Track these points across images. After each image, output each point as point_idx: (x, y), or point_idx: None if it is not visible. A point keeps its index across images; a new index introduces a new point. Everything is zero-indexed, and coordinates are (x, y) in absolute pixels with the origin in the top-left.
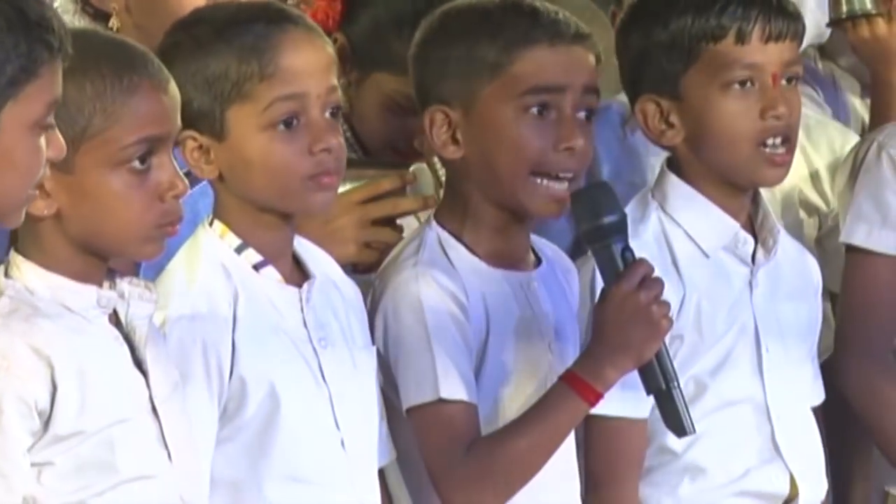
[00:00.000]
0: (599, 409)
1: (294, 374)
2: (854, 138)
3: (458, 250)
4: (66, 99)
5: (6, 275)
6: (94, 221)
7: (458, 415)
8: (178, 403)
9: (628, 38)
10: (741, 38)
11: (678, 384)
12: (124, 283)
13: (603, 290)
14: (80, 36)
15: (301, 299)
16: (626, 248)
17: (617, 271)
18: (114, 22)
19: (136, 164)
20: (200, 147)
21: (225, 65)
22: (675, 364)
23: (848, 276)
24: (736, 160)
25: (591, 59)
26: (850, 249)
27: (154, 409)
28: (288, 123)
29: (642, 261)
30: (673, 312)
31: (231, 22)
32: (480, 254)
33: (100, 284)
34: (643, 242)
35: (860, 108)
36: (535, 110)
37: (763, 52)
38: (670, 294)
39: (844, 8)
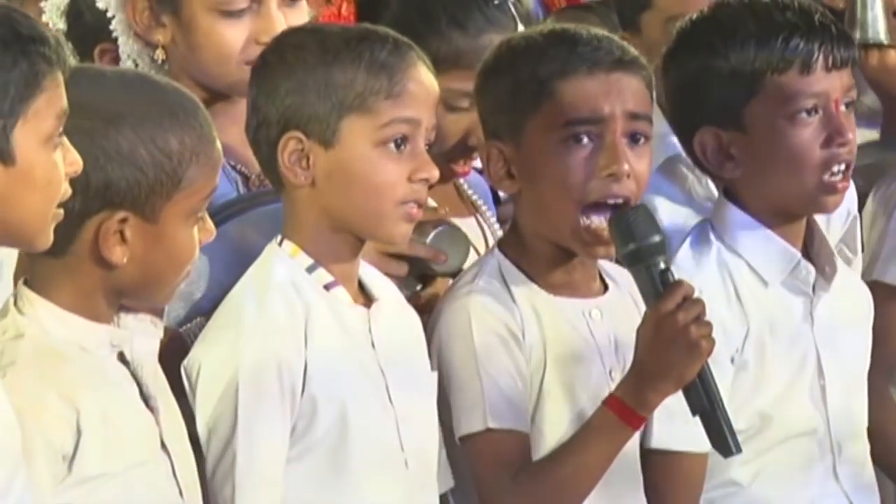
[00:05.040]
0: (661, 443)
1: (363, 395)
2: None
3: (518, 278)
4: (165, 150)
5: (18, 310)
6: (159, 271)
7: (507, 443)
8: (183, 438)
9: (682, 69)
10: (806, 69)
11: (722, 404)
12: (129, 318)
13: (645, 313)
14: (164, 85)
15: (369, 320)
16: (666, 270)
17: (657, 293)
18: (159, 54)
19: (198, 215)
20: (302, 150)
21: (352, 75)
22: (741, 397)
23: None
24: (800, 189)
25: (636, 83)
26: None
27: (163, 445)
28: (398, 145)
29: (681, 282)
30: (737, 346)
31: (361, 36)
32: (540, 282)
33: (109, 323)
34: (707, 275)
35: None
36: (577, 140)
37: (827, 80)
38: (735, 327)
39: (857, 35)
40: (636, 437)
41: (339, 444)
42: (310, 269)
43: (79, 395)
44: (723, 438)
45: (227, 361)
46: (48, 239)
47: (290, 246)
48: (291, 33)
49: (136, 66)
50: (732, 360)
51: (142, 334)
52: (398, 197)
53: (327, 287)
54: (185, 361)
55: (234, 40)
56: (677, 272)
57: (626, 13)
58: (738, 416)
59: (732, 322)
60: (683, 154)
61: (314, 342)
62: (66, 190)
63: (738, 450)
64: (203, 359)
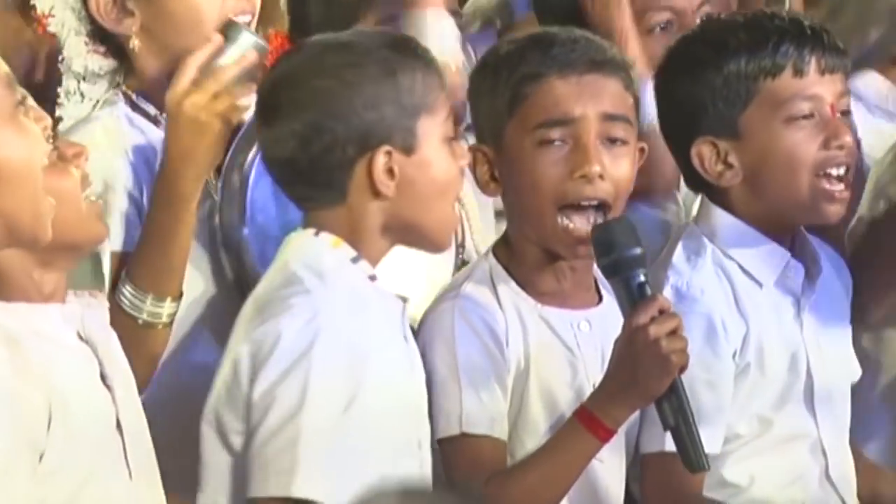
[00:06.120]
0: (656, 445)
1: (404, 382)
2: None
3: (508, 284)
4: None
5: None
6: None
7: (481, 449)
8: (139, 415)
9: (675, 85)
10: (799, 72)
11: (693, 420)
12: (70, 295)
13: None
14: None
15: (402, 314)
16: (644, 283)
17: (633, 306)
18: (133, 43)
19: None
20: (389, 161)
21: (412, 77)
22: (741, 400)
23: None
24: (797, 194)
25: (613, 85)
26: None
27: (118, 425)
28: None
29: (655, 296)
30: (736, 349)
31: (391, 42)
32: (530, 289)
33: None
34: (705, 276)
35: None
36: (550, 142)
37: (821, 84)
38: (734, 329)
39: None
40: (621, 475)
41: None
42: (354, 260)
43: (47, 387)
44: (690, 454)
45: (304, 334)
46: (45, 228)
47: (330, 237)
48: (321, 55)
49: (83, 97)
50: (734, 357)
51: (87, 308)
52: (455, 191)
53: (371, 278)
54: (256, 334)
55: (210, 13)
56: (674, 275)
57: None
58: (738, 421)
59: (732, 324)
60: None
61: (374, 331)
62: (46, 149)
63: (707, 467)
64: (283, 331)
